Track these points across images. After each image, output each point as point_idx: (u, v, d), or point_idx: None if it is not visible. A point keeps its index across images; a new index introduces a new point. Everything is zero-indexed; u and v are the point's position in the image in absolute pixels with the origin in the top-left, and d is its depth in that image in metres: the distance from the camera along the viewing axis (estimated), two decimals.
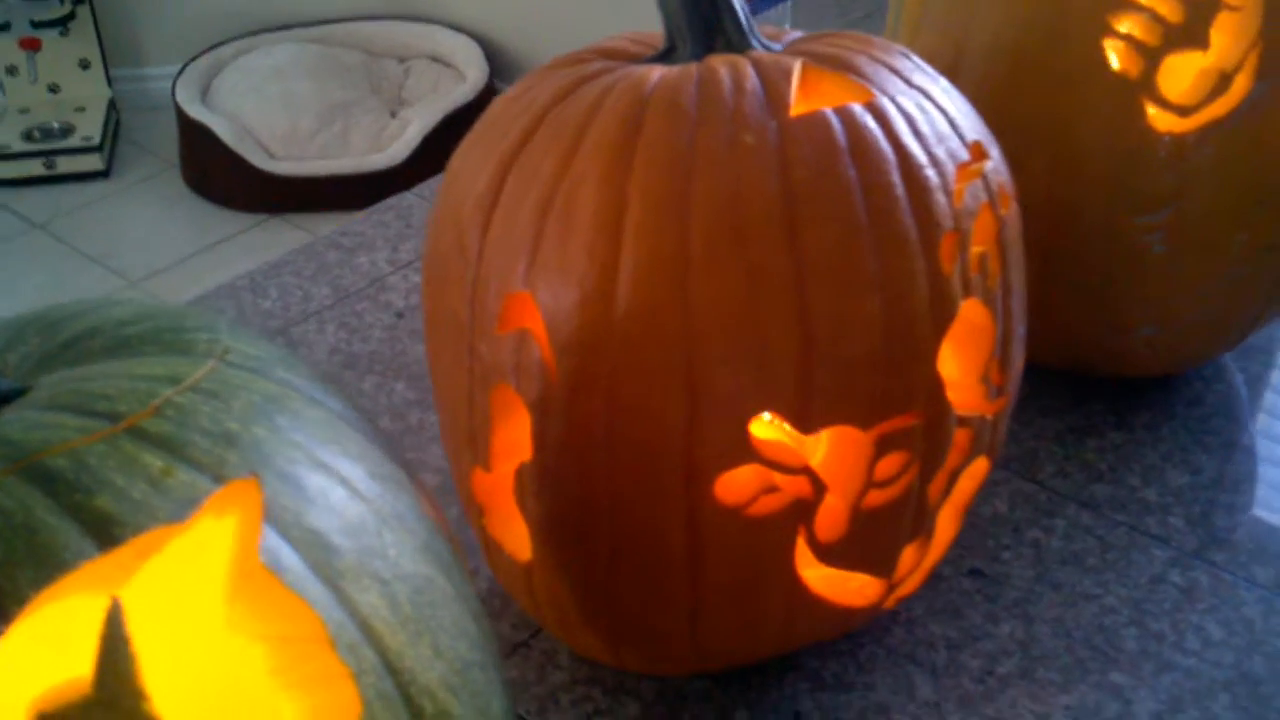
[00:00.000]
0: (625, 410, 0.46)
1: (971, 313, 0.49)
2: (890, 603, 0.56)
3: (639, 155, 0.46)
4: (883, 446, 0.48)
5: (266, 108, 2.60)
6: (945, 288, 0.47)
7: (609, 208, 0.45)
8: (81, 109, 2.85)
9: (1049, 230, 0.65)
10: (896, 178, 0.46)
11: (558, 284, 0.46)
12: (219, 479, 0.31)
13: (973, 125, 0.51)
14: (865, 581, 0.52)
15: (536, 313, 0.47)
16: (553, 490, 0.49)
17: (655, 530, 0.48)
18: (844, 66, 0.49)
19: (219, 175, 2.59)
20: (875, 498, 0.49)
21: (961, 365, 0.50)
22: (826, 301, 0.45)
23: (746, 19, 0.52)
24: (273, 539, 0.31)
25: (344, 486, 0.34)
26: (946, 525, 0.55)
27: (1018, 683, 0.59)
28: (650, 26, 0.56)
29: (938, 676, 0.60)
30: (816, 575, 0.51)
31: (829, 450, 0.48)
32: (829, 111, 0.47)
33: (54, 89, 2.87)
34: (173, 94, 2.66)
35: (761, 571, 0.49)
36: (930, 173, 0.47)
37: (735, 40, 0.51)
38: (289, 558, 0.31)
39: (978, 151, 0.50)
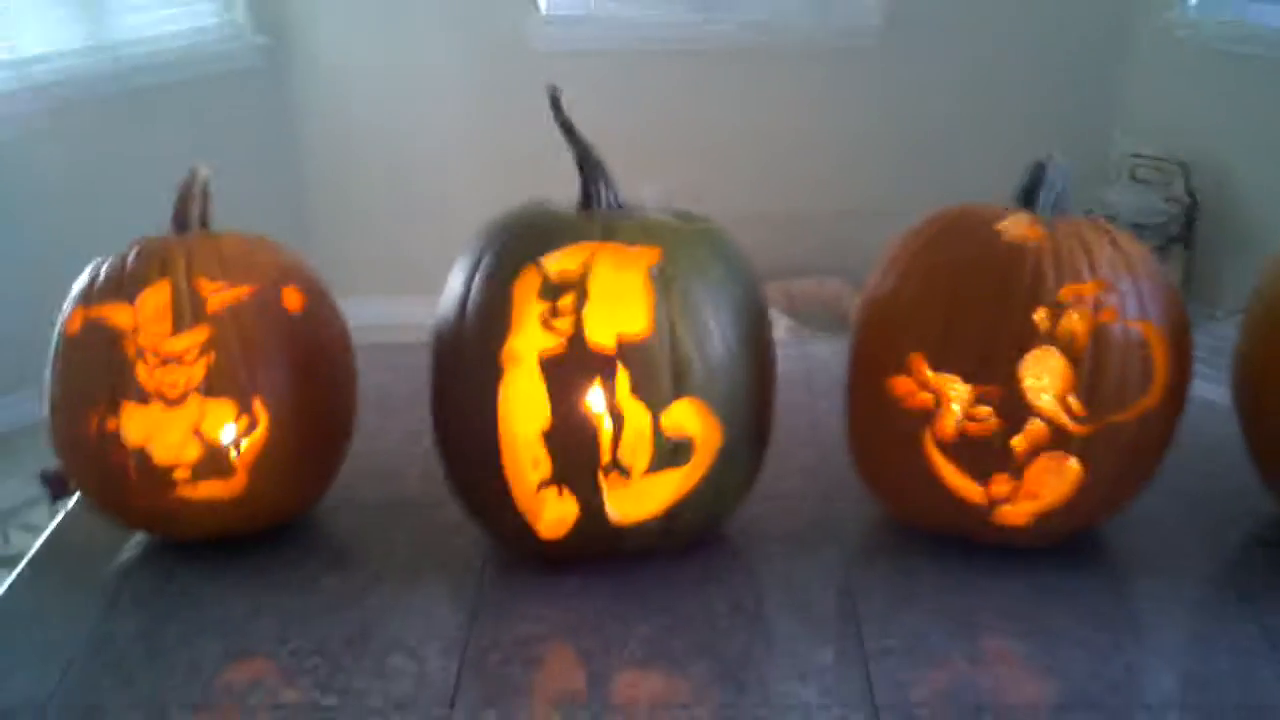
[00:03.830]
0: (872, 338, 1.01)
1: (1050, 355, 0.93)
2: (1002, 518, 0.98)
3: (916, 236, 1.00)
4: (978, 398, 0.95)
5: None
6: (1030, 329, 0.93)
7: (892, 256, 1.01)
8: None
9: None
10: (1028, 269, 0.94)
11: (869, 281, 1.03)
12: (653, 246, 0.97)
13: (1111, 273, 0.94)
14: (970, 484, 0.97)
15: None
16: (852, 371, 1.04)
17: (876, 402, 1.00)
18: (1047, 225, 0.97)
19: None
20: (971, 426, 0.95)
21: (1045, 381, 0.94)
22: (959, 311, 0.95)
23: (1050, 197, 1.01)
24: (656, 270, 0.95)
25: (705, 289, 0.96)
26: (1043, 486, 0.96)
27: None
28: None
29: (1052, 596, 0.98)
30: (942, 462, 0.97)
31: (947, 384, 0.96)
32: (1011, 238, 0.96)
33: None
34: None
35: (908, 440, 0.98)
36: (1050, 273, 0.93)
37: (1035, 203, 1.01)
38: (658, 277, 0.95)
39: (1097, 282, 0.93)
